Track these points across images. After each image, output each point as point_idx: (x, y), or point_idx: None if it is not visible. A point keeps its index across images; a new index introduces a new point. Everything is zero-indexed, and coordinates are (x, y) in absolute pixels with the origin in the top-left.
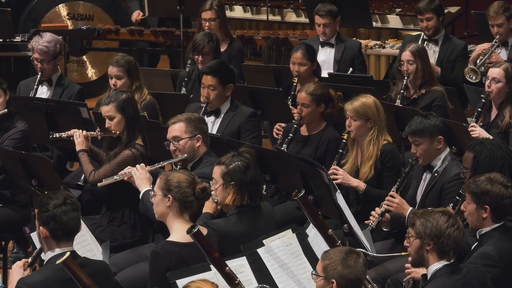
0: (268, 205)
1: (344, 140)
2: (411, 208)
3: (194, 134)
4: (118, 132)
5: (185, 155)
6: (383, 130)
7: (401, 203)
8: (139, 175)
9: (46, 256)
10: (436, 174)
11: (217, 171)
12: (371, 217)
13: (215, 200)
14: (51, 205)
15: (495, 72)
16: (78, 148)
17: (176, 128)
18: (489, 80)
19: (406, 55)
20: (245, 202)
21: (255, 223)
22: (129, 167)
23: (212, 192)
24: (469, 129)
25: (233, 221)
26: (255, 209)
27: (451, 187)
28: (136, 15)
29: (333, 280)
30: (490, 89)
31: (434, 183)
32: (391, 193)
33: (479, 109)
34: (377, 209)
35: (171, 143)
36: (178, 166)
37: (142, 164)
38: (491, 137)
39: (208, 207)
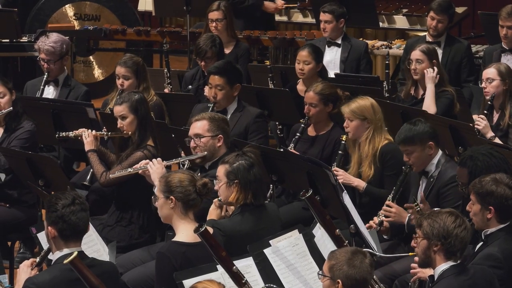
0: (273, 205)
1: (343, 142)
2: (409, 215)
3: (216, 134)
4: (130, 132)
5: (205, 152)
6: (380, 130)
7: (398, 212)
8: (156, 169)
9: (54, 256)
10: (431, 179)
11: (221, 169)
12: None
13: (219, 199)
14: (59, 205)
15: (488, 72)
16: (87, 148)
17: (199, 126)
18: (484, 82)
19: (416, 54)
20: (248, 201)
21: (260, 222)
22: (145, 161)
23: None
24: (476, 119)
25: (238, 220)
26: (259, 208)
27: (448, 191)
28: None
29: (339, 280)
30: (486, 90)
31: (431, 189)
32: (387, 202)
33: (485, 112)
34: (375, 218)
35: (192, 140)
36: (187, 165)
37: (159, 159)
38: (492, 134)
39: (212, 214)
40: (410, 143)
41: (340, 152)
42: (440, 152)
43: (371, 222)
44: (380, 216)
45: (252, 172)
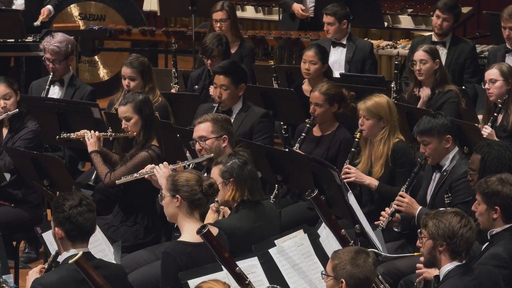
0: (269, 203)
1: (356, 139)
2: (421, 207)
3: (220, 135)
4: (135, 133)
5: (212, 154)
6: (395, 130)
7: (411, 203)
8: (163, 174)
9: (61, 256)
10: (445, 173)
11: (215, 171)
12: (381, 217)
13: (216, 200)
14: (67, 206)
15: (491, 73)
16: (90, 149)
17: (203, 128)
18: (487, 83)
19: (420, 54)
20: (245, 197)
21: (259, 218)
22: (151, 165)
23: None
24: (482, 131)
25: (237, 218)
26: (256, 205)
27: (460, 185)
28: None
29: (342, 279)
30: (490, 91)
31: (443, 182)
32: (400, 193)
33: (495, 114)
34: (387, 209)
35: (197, 143)
36: (192, 165)
37: (165, 163)
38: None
39: (209, 218)
40: (428, 134)
41: (352, 149)
42: (456, 148)
43: (383, 213)
44: (393, 207)
45: (246, 169)
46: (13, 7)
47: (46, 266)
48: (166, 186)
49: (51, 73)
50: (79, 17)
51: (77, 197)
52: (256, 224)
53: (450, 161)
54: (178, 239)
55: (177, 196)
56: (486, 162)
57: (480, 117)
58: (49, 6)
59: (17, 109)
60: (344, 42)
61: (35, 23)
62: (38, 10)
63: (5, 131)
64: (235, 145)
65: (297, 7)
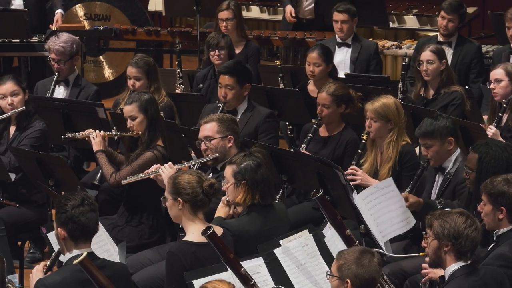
0: (281, 204)
1: (363, 141)
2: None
3: (226, 135)
4: (140, 132)
5: (217, 154)
6: (402, 132)
7: (416, 203)
8: (168, 174)
9: (64, 257)
10: (448, 176)
11: (229, 170)
12: None
13: (227, 199)
14: (69, 206)
15: (496, 73)
16: (95, 148)
17: (208, 128)
18: (492, 83)
19: (426, 54)
20: (256, 201)
21: (268, 222)
22: (156, 165)
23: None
24: (486, 131)
25: (246, 220)
26: (267, 208)
27: (464, 188)
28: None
29: (348, 280)
30: (495, 91)
31: (447, 185)
32: (403, 194)
33: (500, 114)
34: None
35: (203, 142)
36: (196, 166)
37: (170, 163)
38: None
39: (220, 211)
40: (430, 136)
41: (359, 151)
42: (458, 150)
43: None
44: None
45: (259, 173)
46: (12, 7)
47: (48, 263)
48: (167, 189)
49: (56, 73)
50: (84, 17)
51: (79, 197)
52: (265, 228)
53: (453, 163)
54: (183, 239)
55: (179, 199)
56: (483, 162)
57: (485, 117)
58: (59, 10)
59: (24, 107)
60: (349, 42)
61: (53, 28)
62: (37, 11)
63: (12, 129)
64: (240, 145)
65: (288, 9)
